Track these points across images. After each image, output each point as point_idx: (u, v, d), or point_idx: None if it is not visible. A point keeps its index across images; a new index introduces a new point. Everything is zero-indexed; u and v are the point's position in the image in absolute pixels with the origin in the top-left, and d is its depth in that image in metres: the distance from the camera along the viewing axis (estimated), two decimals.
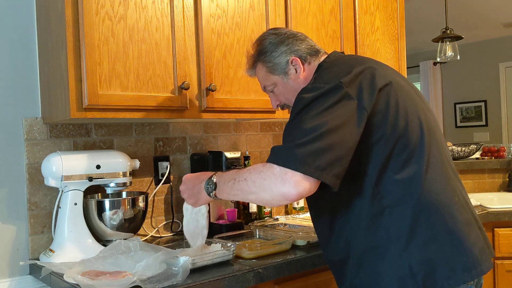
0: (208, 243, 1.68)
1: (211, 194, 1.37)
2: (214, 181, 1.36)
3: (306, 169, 1.15)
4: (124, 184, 1.82)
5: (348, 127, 1.22)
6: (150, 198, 2.07)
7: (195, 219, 1.56)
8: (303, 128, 1.21)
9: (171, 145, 2.18)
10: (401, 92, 1.35)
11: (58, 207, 1.74)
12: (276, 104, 1.59)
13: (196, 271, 1.49)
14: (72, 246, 1.69)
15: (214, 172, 1.39)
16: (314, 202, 1.44)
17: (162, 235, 2.11)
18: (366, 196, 1.29)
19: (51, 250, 1.70)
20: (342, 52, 1.56)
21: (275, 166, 1.19)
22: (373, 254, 1.29)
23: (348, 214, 1.32)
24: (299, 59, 1.49)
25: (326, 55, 1.52)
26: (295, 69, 1.49)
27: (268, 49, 1.51)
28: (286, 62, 1.49)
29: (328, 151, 1.17)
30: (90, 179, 1.72)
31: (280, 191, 1.18)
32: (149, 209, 2.08)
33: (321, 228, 1.44)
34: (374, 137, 1.27)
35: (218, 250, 1.59)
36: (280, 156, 1.20)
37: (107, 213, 1.76)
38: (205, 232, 1.59)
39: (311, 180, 1.17)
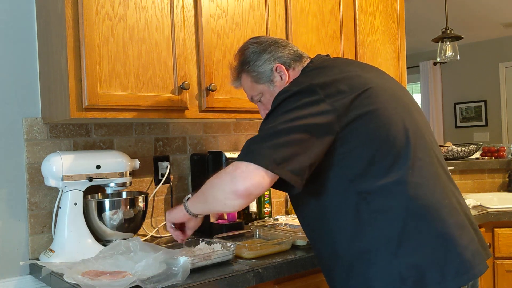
0: (208, 243, 1.69)
1: (185, 199, 1.43)
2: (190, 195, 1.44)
3: (260, 161, 1.16)
4: (124, 184, 1.82)
5: (312, 128, 1.21)
6: (150, 198, 2.07)
7: None
8: (267, 126, 1.23)
9: (171, 145, 2.18)
10: (383, 96, 1.32)
11: (58, 207, 1.74)
12: (265, 113, 1.55)
13: (196, 271, 1.49)
14: (72, 246, 1.69)
15: None
16: (299, 210, 1.44)
17: (162, 235, 2.11)
18: (351, 203, 1.27)
19: (51, 250, 1.70)
20: (328, 55, 1.54)
21: (231, 164, 1.22)
22: (362, 260, 1.26)
23: (334, 221, 1.31)
24: (283, 66, 1.47)
25: (310, 60, 1.51)
26: (280, 76, 1.48)
27: (251, 58, 1.50)
28: (270, 70, 1.48)
29: (285, 146, 1.18)
30: (90, 179, 1.72)
31: (230, 188, 1.19)
32: (149, 209, 2.08)
33: (308, 236, 1.44)
34: (354, 142, 1.26)
35: (218, 250, 1.59)
36: (240, 154, 1.22)
37: (107, 213, 1.76)
38: None
39: (263, 173, 1.16)
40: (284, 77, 1.47)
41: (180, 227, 1.55)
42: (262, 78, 1.49)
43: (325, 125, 1.23)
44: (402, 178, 1.25)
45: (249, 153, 1.19)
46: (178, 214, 1.45)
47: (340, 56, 2.32)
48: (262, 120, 1.33)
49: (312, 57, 1.53)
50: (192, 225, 1.52)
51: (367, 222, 1.26)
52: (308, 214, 1.38)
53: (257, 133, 1.27)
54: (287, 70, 1.48)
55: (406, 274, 1.21)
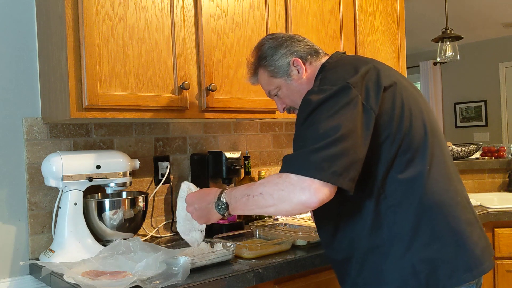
0: (208, 243, 1.69)
1: (224, 214, 1.35)
2: (224, 201, 1.34)
3: (323, 175, 1.15)
4: (124, 184, 1.82)
5: (360, 130, 1.22)
6: (150, 198, 2.07)
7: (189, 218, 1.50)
8: (316, 133, 1.21)
9: (171, 145, 2.18)
10: (405, 93, 1.36)
11: (58, 207, 1.74)
12: (282, 107, 1.59)
13: (196, 271, 1.49)
14: (72, 246, 1.69)
15: (220, 190, 1.37)
16: None
17: (162, 235, 2.11)
18: (371, 196, 1.30)
19: (51, 250, 1.70)
20: (344, 53, 1.56)
21: (291, 175, 1.18)
22: (377, 253, 1.30)
23: (354, 214, 1.33)
24: (300, 60, 1.49)
25: (327, 56, 1.53)
26: (297, 70, 1.49)
27: (268, 53, 1.52)
28: (287, 64, 1.49)
29: (343, 156, 1.17)
30: (90, 179, 1.72)
31: (300, 200, 1.17)
32: (149, 209, 2.08)
33: (325, 227, 1.44)
34: (381, 137, 1.28)
35: (218, 250, 1.59)
36: (295, 164, 1.19)
37: (107, 213, 1.76)
38: (203, 226, 1.52)
39: (330, 186, 1.17)
40: (301, 71, 1.49)
41: None
42: (279, 72, 1.50)
43: (367, 124, 1.25)
44: (419, 174, 1.29)
45: (311, 166, 1.17)
46: (214, 217, 1.39)
47: None
48: (298, 117, 1.31)
49: None
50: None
51: (384, 216, 1.29)
52: (329, 204, 1.38)
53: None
54: (304, 64, 1.49)
55: (419, 267, 1.25)
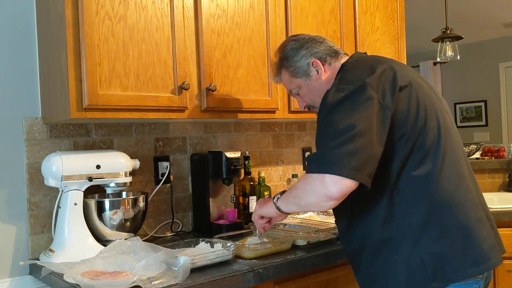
0: (208, 243, 1.68)
1: (275, 199, 1.48)
2: (279, 195, 1.49)
3: (342, 171, 1.22)
4: (124, 184, 1.82)
5: (376, 127, 1.28)
6: (150, 198, 2.07)
7: None
8: (334, 131, 1.28)
9: (171, 145, 2.18)
10: (421, 93, 1.40)
11: (58, 207, 1.74)
12: (303, 105, 1.66)
13: (196, 271, 1.50)
14: (72, 246, 1.69)
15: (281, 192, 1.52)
16: None
17: (162, 235, 2.11)
18: (385, 191, 1.35)
19: (51, 250, 1.70)
20: (365, 53, 1.61)
21: (310, 175, 1.30)
22: (387, 245, 1.35)
23: (367, 207, 1.38)
24: (319, 61, 1.55)
25: (347, 56, 1.59)
26: (317, 71, 1.56)
27: (289, 54, 1.59)
28: (307, 65, 1.56)
29: (360, 152, 1.24)
30: (90, 179, 1.72)
31: (322, 192, 1.26)
32: (149, 209, 2.08)
33: (341, 219, 1.50)
34: (396, 135, 1.33)
35: (218, 250, 1.59)
36: (316, 163, 1.28)
37: (107, 213, 1.76)
38: None
39: (347, 179, 1.23)
40: (320, 72, 1.56)
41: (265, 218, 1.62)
42: (300, 72, 1.58)
43: (384, 122, 1.30)
44: (432, 171, 1.34)
45: (329, 163, 1.25)
46: (269, 210, 1.52)
47: None
48: (318, 115, 1.40)
49: None
50: (279, 220, 1.60)
51: (396, 211, 1.34)
52: (347, 200, 1.41)
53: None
54: (323, 65, 1.56)
55: (427, 261, 1.30)
